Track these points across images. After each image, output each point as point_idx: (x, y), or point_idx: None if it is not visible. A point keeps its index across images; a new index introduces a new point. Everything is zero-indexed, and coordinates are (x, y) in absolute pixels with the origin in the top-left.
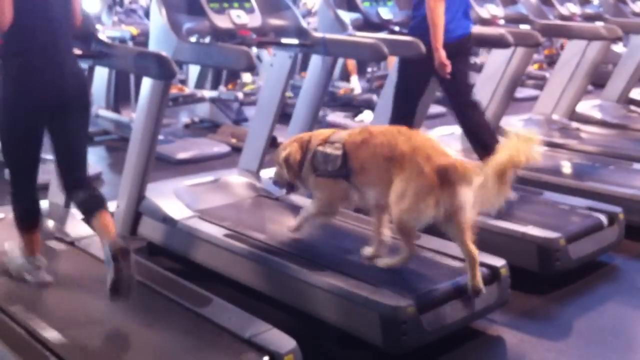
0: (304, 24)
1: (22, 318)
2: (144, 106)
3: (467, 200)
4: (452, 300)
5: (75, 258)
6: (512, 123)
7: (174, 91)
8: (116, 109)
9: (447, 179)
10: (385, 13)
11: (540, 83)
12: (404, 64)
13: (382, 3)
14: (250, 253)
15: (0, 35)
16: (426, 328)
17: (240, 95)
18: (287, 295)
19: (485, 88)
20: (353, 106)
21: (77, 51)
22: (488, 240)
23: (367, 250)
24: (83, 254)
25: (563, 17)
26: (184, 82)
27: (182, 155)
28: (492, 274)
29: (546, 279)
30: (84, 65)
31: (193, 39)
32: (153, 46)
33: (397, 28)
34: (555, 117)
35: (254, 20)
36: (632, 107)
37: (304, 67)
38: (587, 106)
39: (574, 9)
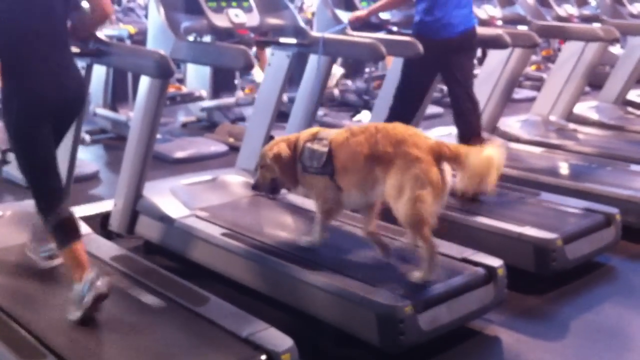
0: (302, 23)
1: (21, 317)
2: (141, 105)
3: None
4: (449, 300)
5: None
6: (509, 124)
7: (171, 90)
8: (114, 108)
9: (440, 158)
10: (384, 13)
11: (537, 84)
12: (408, 64)
13: None
14: (247, 252)
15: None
16: (423, 327)
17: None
18: (285, 294)
19: (482, 89)
20: (351, 106)
21: (75, 49)
22: (485, 240)
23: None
24: None
25: (560, 19)
26: (181, 81)
27: (180, 154)
28: (489, 274)
29: (543, 280)
30: (82, 63)
31: (191, 38)
32: (151, 45)
33: (395, 28)
34: (552, 118)
35: (252, 19)
36: (629, 109)
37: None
38: (585, 107)
39: (571, 10)
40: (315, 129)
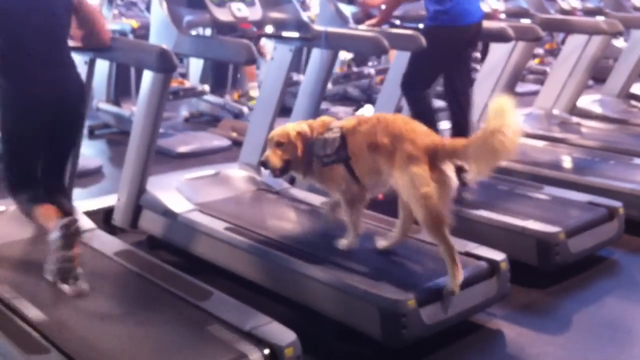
0: (304, 17)
1: (25, 313)
2: (144, 99)
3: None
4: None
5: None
6: None
7: (174, 85)
8: (117, 102)
9: (437, 158)
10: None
11: (541, 78)
12: (426, 54)
13: None
14: (250, 246)
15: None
16: (426, 321)
17: (245, 109)
18: (287, 288)
19: (485, 82)
20: (354, 100)
21: (78, 44)
22: (488, 234)
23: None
24: (84, 248)
25: (564, 12)
26: (184, 75)
27: (183, 148)
28: (492, 268)
29: (546, 273)
30: (85, 58)
31: (194, 32)
32: (154, 39)
33: (397, 22)
34: (555, 111)
35: (254, 13)
36: (633, 102)
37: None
38: (588, 101)
39: (574, 3)
40: (326, 118)
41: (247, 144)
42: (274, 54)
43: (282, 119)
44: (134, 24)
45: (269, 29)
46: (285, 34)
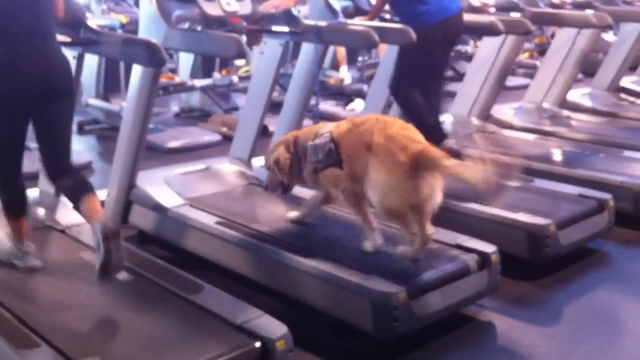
0: (294, 11)
1: (13, 305)
2: (134, 94)
3: (437, 186)
4: (442, 287)
5: (66, 246)
6: (503, 111)
7: (164, 80)
8: (106, 98)
9: (419, 164)
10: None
11: (530, 72)
12: (422, 52)
13: None
14: (241, 241)
15: None
16: (417, 314)
17: (235, 78)
18: (279, 282)
19: (475, 76)
20: (344, 95)
21: (66, 39)
22: (479, 226)
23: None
24: (74, 242)
25: (553, 5)
26: (174, 70)
27: (173, 144)
28: (483, 260)
29: (536, 266)
30: (73, 52)
31: (183, 27)
32: (143, 34)
33: (387, 16)
34: (545, 105)
35: (244, 7)
36: (622, 95)
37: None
38: (578, 94)
39: None
40: (314, 127)
41: (237, 138)
42: (264, 49)
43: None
44: (123, 19)
45: (259, 23)
46: (275, 28)
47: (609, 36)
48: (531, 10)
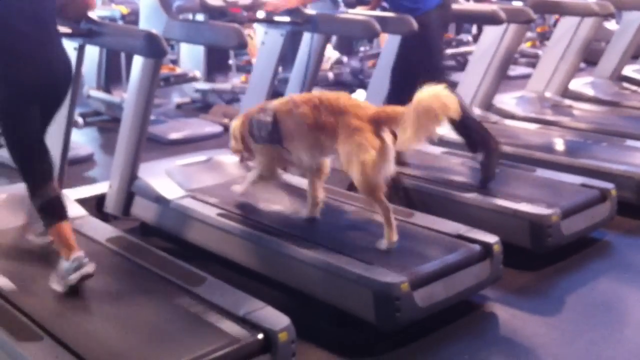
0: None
1: (17, 300)
2: (135, 85)
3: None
4: (444, 277)
5: None
6: (505, 101)
7: (165, 71)
8: (107, 90)
9: (380, 125)
10: None
11: (533, 61)
12: (407, 40)
13: None
14: (243, 232)
15: None
16: (419, 304)
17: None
18: (281, 273)
19: (477, 66)
20: (345, 85)
21: (67, 30)
22: (481, 217)
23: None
24: (76, 235)
25: None
26: (175, 62)
27: (174, 135)
28: (485, 251)
29: (538, 255)
30: (74, 44)
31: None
32: (143, 24)
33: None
34: (548, 94)
35: None
36: (625, 84)
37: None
38: (580, 83)
39: None
40: (264, 102)
41: None
42: (265, 39)
43: None
44: (124, 10)
45: (260, 13)
46: (276, 18)
47: (611, 25)
48: None
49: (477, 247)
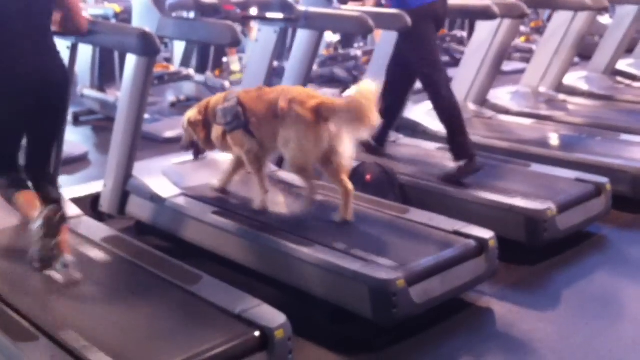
0: None
1: (12, 300)
2: (128, 84)
3: (342, 136)
4: (441, 273)
5: None
6: (499, 96)
7: (159, 69)
8: (101, 88)
9: (321, 115)
10: None
11: (527, 56)
12: (404, 37)
13: None
14: (238, 230)
15: None
16: (416, 300)
17: (227, 84)
18: (277, 270)
19: (472, 61)
20: (340, 82)
21: (56, 29)
22: (476, 212)
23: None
24: (71, 234)
25: None
26: (169, 60)
27: (169, 133)
28: (481, 246)
29: (534, 250)
30: (67, 43)
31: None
32: (136, 23)
33: (383, 1)
34: (542, 89)
35: None
36: (619, 78)
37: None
38: (574, 78)
39: None
40: (225, 93)
41: None
42: (258, 36)
43: None
44: (117, 8)
45: (253, 10)
46: (269, 15)
47: (605, 19)
48: None
49: (472, 242)
